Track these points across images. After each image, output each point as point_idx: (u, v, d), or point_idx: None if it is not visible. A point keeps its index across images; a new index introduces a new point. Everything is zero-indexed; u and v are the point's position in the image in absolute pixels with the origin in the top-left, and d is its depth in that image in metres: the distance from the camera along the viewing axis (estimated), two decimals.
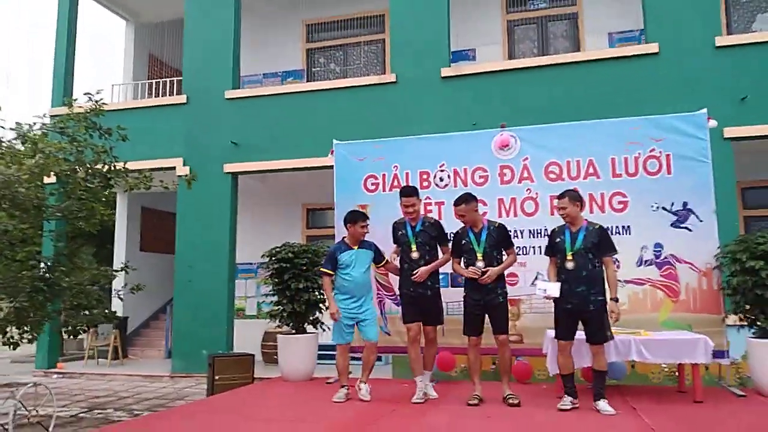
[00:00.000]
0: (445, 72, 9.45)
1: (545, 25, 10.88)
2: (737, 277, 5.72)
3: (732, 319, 6.07)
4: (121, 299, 7.87)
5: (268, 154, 10.17)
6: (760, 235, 5.68)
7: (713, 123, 6.38)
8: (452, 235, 5.56)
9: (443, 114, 9.26)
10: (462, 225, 5.43)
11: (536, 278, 6.18)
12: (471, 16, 10.82)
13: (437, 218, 6.14)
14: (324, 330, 7.07)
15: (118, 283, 8.73)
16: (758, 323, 5.68)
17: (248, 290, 11.74)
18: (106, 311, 7.00)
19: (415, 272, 5.36)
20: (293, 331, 6.85)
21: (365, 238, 5.69)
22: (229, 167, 10.25)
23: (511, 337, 5.54)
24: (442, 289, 5.70)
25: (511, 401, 5.11)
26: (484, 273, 5.12)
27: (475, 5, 10.85)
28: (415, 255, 5.44)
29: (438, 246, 5.59)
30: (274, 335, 10.55)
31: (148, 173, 6.55)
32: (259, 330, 10.97)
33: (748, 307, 5.70)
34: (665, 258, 6.26)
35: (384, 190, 7.03)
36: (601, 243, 4.94)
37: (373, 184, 7.11)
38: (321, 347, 7.15)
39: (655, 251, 6.30)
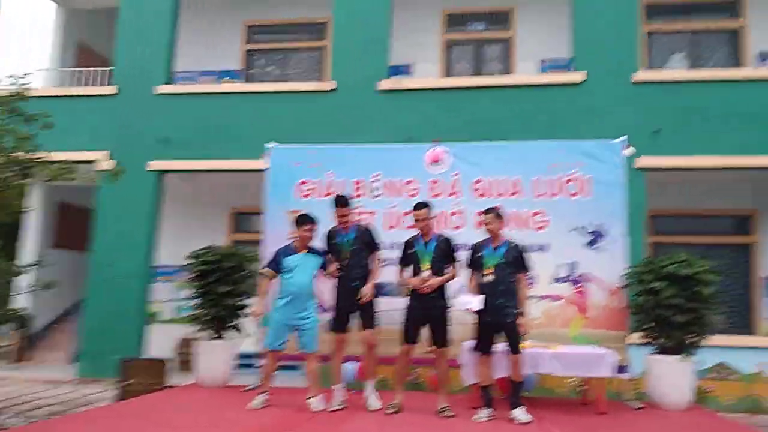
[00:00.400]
0: (384, 85, 9.61)
1: (481, 47, 11.26)
2: (642, 297, 6.13)
3: (634, 336, 6.48)
4: (31, 294, 7.45)
5: (198, 153, 9.96)
6: (665, 259, 6.10)
7: (630, 151, 6.85)
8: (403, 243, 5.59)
9: (379, 125, 9.38)
10: (412, 234, 5.56)
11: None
12: (410, 32, 11.03)
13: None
14: (242, 336, 6.98)
15: (26, 280, 8.29)
16: (658, 341, 6.09)
17: (166, 294, 11.37)
18: (10, 309, 6.61)
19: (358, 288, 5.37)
20: (215, 335, 6.71)
21: (313, 245, 5.61)
22: (155, 165, 9.96)
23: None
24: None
25: (446, 414, 5.18)
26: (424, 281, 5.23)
27: (415, 22, 11.08)
28: (348, 262, 5.47)
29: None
30: (190, 341, 10.36)
31: (72, 165, 6.28)
32: (177, 335, 10.65)
33: (650, 325, 6.11)
34: (578, 276, 6.63)
35: (317, 197, 7.07)
36: (519, 259, 5.19)
37: (307, 189, 7.14)
38: (241, 355, 7.04)
39: (569, 269, 6.66)
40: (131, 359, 7.00)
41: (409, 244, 5.49)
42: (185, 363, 10.01)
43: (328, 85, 9.91)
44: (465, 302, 5.19)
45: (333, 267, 5.58)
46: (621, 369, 6.03)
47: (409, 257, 5.42)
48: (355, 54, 9.88)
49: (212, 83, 11.79)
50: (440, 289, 5.34)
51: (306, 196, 7.15)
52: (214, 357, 6.62)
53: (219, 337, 6.74)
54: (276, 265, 5.51)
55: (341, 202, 5.60)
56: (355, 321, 5.54)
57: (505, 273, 5.11)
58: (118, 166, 6.64)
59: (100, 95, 10.47)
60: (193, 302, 6.79)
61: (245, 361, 7.32)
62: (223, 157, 9.88)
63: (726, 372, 7.67)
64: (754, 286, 9.69)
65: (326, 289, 5.89)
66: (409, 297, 5.46)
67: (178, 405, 5.64)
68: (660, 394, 5.94)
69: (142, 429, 4.60)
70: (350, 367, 6.60)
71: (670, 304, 5.84)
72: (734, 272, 9.69)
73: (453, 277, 5.44)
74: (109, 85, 10.71)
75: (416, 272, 5.36)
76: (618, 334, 6.39)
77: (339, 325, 5.51)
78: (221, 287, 6.56)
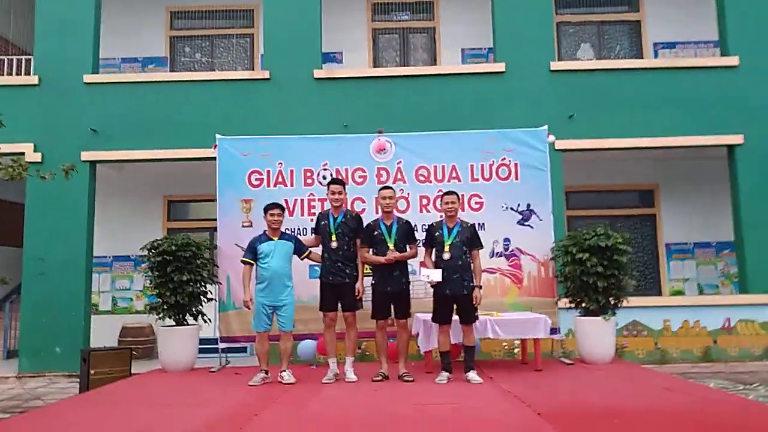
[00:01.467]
0: (318, 74, 9.90)
1: (407, 36, 11.77)
2: (568, 267, 6.95)
3: (562, 302, 7.34)
4: None
5: (129, 143, 9.85)
6: (587, 232, 6.94)
7: (552, 138, 7.63)
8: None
9: (315, 114, 9.69)
10: (374, 219, 6.10)
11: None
12: (339, 20, 11.34)
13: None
14: (206, 322, 7.23)
15: None
16: (583, 304, 6.96)
17: (102, 285, 11.24)
18: None
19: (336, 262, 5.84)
20: (177, 322, 6.92)
21: (285, 231, 6.08)
22: (87, 155, 9.77)
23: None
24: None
25: (406, 378, 5.78)
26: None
27: (342, 10, 11.39)
28: (334, 245, 5.88)
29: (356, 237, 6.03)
30: (134, 330, 10.38)
31: (24, 161, 6.20)
32: (115, 326, 10.59)
33: (576, 291, 6.96)
34: (512, 251, 7.40)
35: (268, 186, 7.39)
36: (472, 238, 5.83)
37: (257, 179, 7.42)
38: (202, 341, 7.28)
39: (504, 245, 7.41)
40: (95, 349, 7.04)
41: (372, 227, 5.97)
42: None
43: (262, 74, 10.08)
44: (426, 275, 5.75)
45: (315, 248, 6.06)
46: (553, 331, 6.85)
47: (374, 239, 5.89)
48: (287, 42, 10.05)
49: (136, 71, 11.62)
50: (403, 267, 5.89)
51: (257, 185, 7.42)
52: (179, 343, 6.84)
53: (181, 324, 6.94)
54: (252, 254, 5.87)
55: (335, 180, 6.11)
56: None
57: (460, 250, 5.72)
58: (69, 163, 6.55)
59: (20, 85, 10.08)
60: (154, 291, 6.92)
61: (206, 346, 7.55)
62: (156, 147, 9.84)
63: (638, 329, 8.76)
64: (659, 252, 11.00)
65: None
66: (374, 276, 5.96)
67: (155, 388, 5.88)
68: (587, 351, 6.81)
69: (134, 411, 4.80)
70: (311, 344, 7.05)
71: (592, 272, 6.68)
72: (641, 241, 10.95)
73: (414, 255, 6.00)
74: (28, 74, 10.33)
75: (381, 253, 5.86)
76: (549, 300, 7.22)
77: (328, 304, 5.94)
78: (180, 275, 6.74)
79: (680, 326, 8.79)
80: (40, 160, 9.58)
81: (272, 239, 5.93)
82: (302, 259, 6.18)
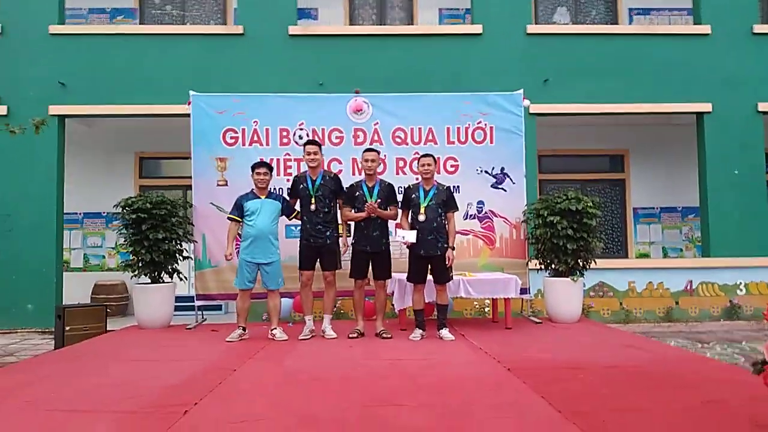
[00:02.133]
0: (293, 30, 9.73)
1: None
2: (539, 230, 7.13)
3: (532, 263, 7.54)
4: None
5: (100, 97, 9.61)
6: (558, 196, 7.11)
7: (527, 102, 7.71)
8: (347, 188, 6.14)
9: (290, 72, 9.57)
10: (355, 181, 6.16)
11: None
12: None
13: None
14: (182, 279, 7.25)
15: None
16: (553, 266, 7.17)
17: (73, 242, 11.11)
18: None
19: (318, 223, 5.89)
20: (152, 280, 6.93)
21: (272, 190, 6.11)
22: (55, 109, 9.52)
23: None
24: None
25: (384, 336, 5.93)
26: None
27: None
28: (313, 207, 5.91)
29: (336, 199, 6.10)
30: (107, 287, 10.34)
31: None
32: (88, 283, 10.52)
33: (546, 253, 7.15)
34: (485, 213, 7.53)
35: (243, 144, 7.34)
36: (448, 200, 5.92)
37: (232, 137, 7.35)
38: (177, 298, 7.30)
39: (477, 207, 7.54)
40: (70, 306, 7.02)
41: (354, 187, 6.02)
42: None
43: (235, 28, 9.87)
44: (402, 236, 5.85)
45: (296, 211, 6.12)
46: (523, 291, 7.06)
47: (356, 199, 5.95)
48: None
49: (103, 22, 11.26)
50: (383, 227, 5.97)
51: (232, 144, 7.36)
52: (155, 300, 6.87)
53: (156, 282, 6.95)
54: (238, 211, 5.91)
55: (311, 141, 6.12)
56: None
57: (435, 212, 5.82)
58: (40, 117, 6.40)
59: None
60: (128, 249, 6.89)
61: (181, 304, 7.58)
62: (127, 102, 9.63)
63: (604, 290, 9.07)
64: (627, 216, 11.31)
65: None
66: (353, 235, 6.04)
67: (132, 344, 5.92)
68: (555, 310, 7.06)
69: (112, 365, 4.85)
70: (287, 302, 7.16)
71: (563, 235, 6.87)
72: (610, 205, 11.22)
73: (395, 216, 6.07)
74: None
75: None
76: (520, 261, 7.42)
77: (306, 263, 6.00)
78: (156, 233, 6.72)
79: (645, 288, 9.14)
80: (5, 113, 9.32)
81: (259, 197, 5.94)
82: (290, 219, 6.22)
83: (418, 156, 6.29)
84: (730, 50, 9.78)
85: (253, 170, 5.99)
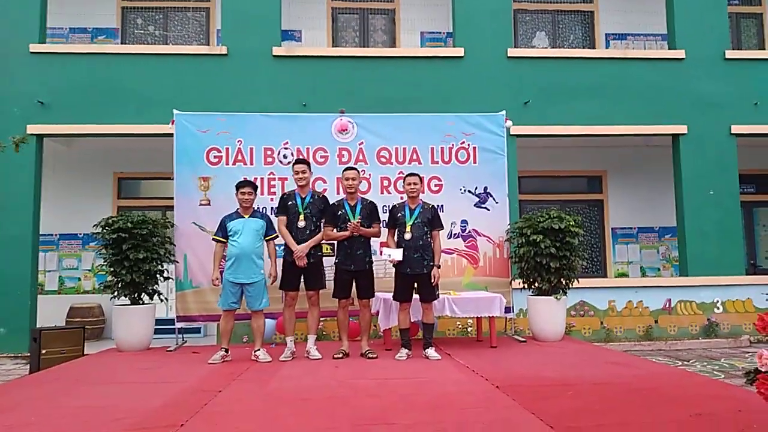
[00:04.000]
0: (277, 51, 9.78)
1: (366, 17, 11.72)
2: (522, 248, 7.17)
3: (515, 282, 7.57)
4: None
5: (80, 117, 9.50)
6: (541, 215, 7.18)
7: (509, 123, 7.82)
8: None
9: (273, 92, 9.60)
10: (339, 199, 6.15)
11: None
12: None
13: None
14: (162, 301, 7.13)
15: None
16: (536, 284, 7.21)
17: (48, 264, 10.87)
18: None
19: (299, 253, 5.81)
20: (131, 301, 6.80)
21: (257, 209, 6.03)
22: (33, 128, 9.38)
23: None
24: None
25: (369, 356, 5.87)
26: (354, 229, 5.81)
27: None
28: (302, 224, 5.87)
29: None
30: (83, 310, 10.12)
31: None
32: (63, 306, 10.28)
33: (529, 271, 7.19)
34: (469, 232, 7.57)
35: (227, 164, 7.29)
36: (433, 219, 5.95)
37: (215, 156, 7.30)
38: (156, 321, 7.16)
39: (461, 226, 7.58)
40: (47, 328, 6.84)
41: (337, 206, 6.00)
42: None
43: (219, 49, 9.88)
44: (388, 254, 5.85)
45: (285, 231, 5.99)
46: (507, 309, 7.08)
47: (338, 218, 5.93)
48: (246, 18, 9.89)
49: (85, 42, 11.19)
50: (366, 246, 5.95)
51: (216, 163, 7.31)
52: (135, 322, 6.71)
53: (136, 303, 6.82)
54: (222, 232, 5.84)
55: (300, 161, 6.11)
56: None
57: (421, 231, 5.83)
58: (21, 135, 6.31)
59: None
60: (108, 269, 6.76)
61: (159, 327, 7.42)
62: (107, 122, 9.56)
63: (585, 309, 9.14)
64: (606, 236, 11.46)
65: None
66: (337, 255, 6.01)
67: (112, 367, 5.76)
68: (539, 329, 7.08)
69: (92, 389, 4.72)
70: (270, 323, 7.06)
71: (546, 253, 6.92)
72: (589, 225, 11.37)
73: (377, 233, 6.05)
74: None
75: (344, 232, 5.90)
76: (503, 280, 7.44)
77: (289, 283, 5.93)
78: (137, 253, 6.61)
79: (624, 306, 9.23)
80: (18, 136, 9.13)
81: (243, 217, 5.87)
82: (266, 241, 6.04)
83: (404, 175, 6.32)
84: (703, 74, 10.08)
85: (237, 189, 5.92)
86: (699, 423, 3.49)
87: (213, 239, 6.00)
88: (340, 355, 5.88)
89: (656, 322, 9.23)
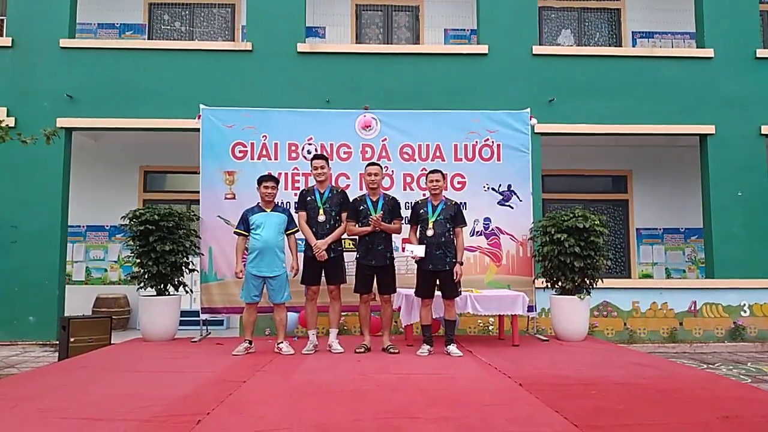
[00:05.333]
0: (301, 47, 9.83)
1: (390, 13, 11.73)
2: (546, 247, 7.13)
3: (538, 282, 7.53)
4: None
5: (107, 111, 9.65)
6: (565, 214, 7.13)
7: (534, 121, 7.77)
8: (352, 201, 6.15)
9: (297, 88, 9.63)
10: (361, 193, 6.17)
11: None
12: None
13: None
14: (188, 292, 7.22)
15: None
16: (559, 284, 7.16)
17: (75, 255, 11.07)
18: None
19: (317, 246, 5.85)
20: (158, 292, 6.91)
21: (278, 204, 6.06)
22: (63, 122, 9.55)
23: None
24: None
25: (391, 351, 5.90)
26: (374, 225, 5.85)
27: None
28: (321, 219, 5.92)
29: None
30: (109, 300, 10.29)
31: (5, 125, 6.06)
32: (89, 296, 10.49)
33: (552, 270, 7.14)
34: (492, 230, 7.55)
35: (252, 158, 7.37)
36: (456, 216, 5.94)
37: (241, 151, 7.38)
38: (182, 312, 7.26)
39: (484, 224, 7.56)
40: (75, 317, 6.97)
41: (358, 201, 6.03)
42: None
43: (244, 45, 9.96)
44: (410, 250, 5.85)
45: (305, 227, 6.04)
46: (529, 308, 7.05)
47: (359, 213, 5.97)
48: (270, 15, 9.94)
49: (112, 37, 11.37)
50: (387, 242, 5.97)
51: (241, 157, 7.39)
52: (161, 312, 6.83)
53: (162, 294, 6.92)
54: (244, 225, 5.88)
55: (318, 156, 6.16)
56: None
57: (444, 228, 5.84)
58: (52, 128, 6.44)
59: None
60: (135, 260, 6.87)
61: (183, 318, 7.53)
62: (134, 116, 9.68)
63: (608, 309, 9.05)
64: (631, 236, 11.34)
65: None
66: (358, 250, 6.04)
67: (139, 355, 5.87)
68: (561, 328, 7.04)
69: (120, 376, 4.81)
70: (292, 317, 7.12)
71: (570, 252, 6.87)
72: (613, 225, 11.26)
73: (399, 230, 6.06)
74: (1, 36, 10.02)
75: (365, 227, 5.93)
76: (526, 279, 7.41)
77: (310, 277, 5.99)
78: (163, 245, 6.71)
79: (648, 308, 9.11)
80: (13, 125, 9.34)
81: (265, 210, 5.92)
82: (287, 235, 6.08)
83: (427, 172, 6.31)
84: (732, 74, 9.89)
85: (259, 183, 5.97)
86: (726, 426, 3.44)
87: (235, 232, 6.05)
88: (362, 350, 5.92)
89: (681, 324, 9.11)
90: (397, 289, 6.43)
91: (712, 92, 9.87)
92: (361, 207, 5.98)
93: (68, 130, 9.67)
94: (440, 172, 6.06)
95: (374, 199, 6.00)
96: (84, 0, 10.55)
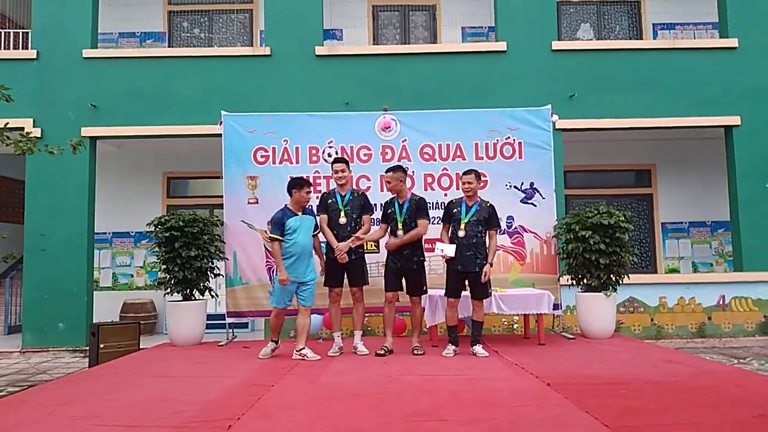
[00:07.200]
0: (319, 50, 9.86)
1: (407, 13, 11.72)
2: (571, 244, 7.07)
3: (563, 279, 7.47)
4: None
5: (130, 119, 9.79)
6: (590, 210, 7.06)
7: (555, 117, 7.71)
8: (383, 204, 6.24)
9: (316, 91, 9.67)
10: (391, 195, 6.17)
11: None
12: None
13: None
14: (213, 297, 7.30)
15: None
16: (585, 281, 7.09)
17: (102, 261, 11.26)
18: None
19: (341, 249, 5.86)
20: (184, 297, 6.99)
21: (306, 207, 6.00)
22: (87, 131, 9.71)
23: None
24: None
25: (416, 352, 5.91)
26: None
27: None
28: (342, 221, 5.96)
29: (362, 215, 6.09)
30: (136, 306, 10.44)
31: (32, 136, 6.18)
32: (116, 302, 10.65)
33: (577, 268, 7.08)
34: (515, 228, 7.50)
35: (274, 163, 7.42)
36: (490, 217, 5.91)
37: (262, 156, 7.44)
38: (208, 316, 7.34)
39: (507, 223, 7.51)
40: (104, 323, 7.09)
41: (388, 205, 6.09)
42: None
43: (262, 50, 10.02)
44: (441, 249, 5.84)
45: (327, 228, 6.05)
46: (555, 306, 7.00)
47: (388, 217, 6.02)
48: (288, 19, 9.99)
49: (133, 46, 11.53)
50: (413, 246, 5.96)
51: (263, 162, 7.45)
52: (187, 317, 6.92)
53: (188, 299, 7.01)
54: (280, 230, 5.73)
55: (338, 159, 6.17)
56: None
57: (475, 229, 5.81)
58: (77, 138, 6.56)
59: (18, 59, 9.96)
60: (161, 266, 6.97)
61: (209, 322, 7.61)
62: (156, 123, 9.80)
63: (635, 305, 8.94)
64: (656, 231, 11.18)
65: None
66: (388, 253, 6.08)
67: (168, 361, 5.96)
68: (588, 326, 6.97)
69: (151, 381, 4.88)
70: (317, 319, 7.16)
71: (594, 249, 6.81)
72: (638, 220, 11.11)
73: (418, 234, 5.96)
74: (26, 48, 10.22)
75: (393, 231, 5.98)
76: (551, 276, 7.36)
77: (333, 280, 6.03)
78: (189, 251, 6.79)
79: (676, 303, 8.98)
80: (39, 136, 9.52)
81: (297, 214, 5.83)
82: (314, 236, 6.04)
83: (461, 174, 6.15)
84: (758, 63, 9.70)
85: (299, 188, 5.78)
86: (763, 425, 3.38)
87: (272, 238, 5.81)
88: (383, 352, 5.90)
89: (709, 318, 8.96)
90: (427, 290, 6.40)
91: (737, 83, 9.69)
92: (389, 210, 6.04)
93: (92, 138, 9.83)
94: (474, 172, 5.99)
95: (401, 202, 6.02)
96: (105, 10, 10.71)
